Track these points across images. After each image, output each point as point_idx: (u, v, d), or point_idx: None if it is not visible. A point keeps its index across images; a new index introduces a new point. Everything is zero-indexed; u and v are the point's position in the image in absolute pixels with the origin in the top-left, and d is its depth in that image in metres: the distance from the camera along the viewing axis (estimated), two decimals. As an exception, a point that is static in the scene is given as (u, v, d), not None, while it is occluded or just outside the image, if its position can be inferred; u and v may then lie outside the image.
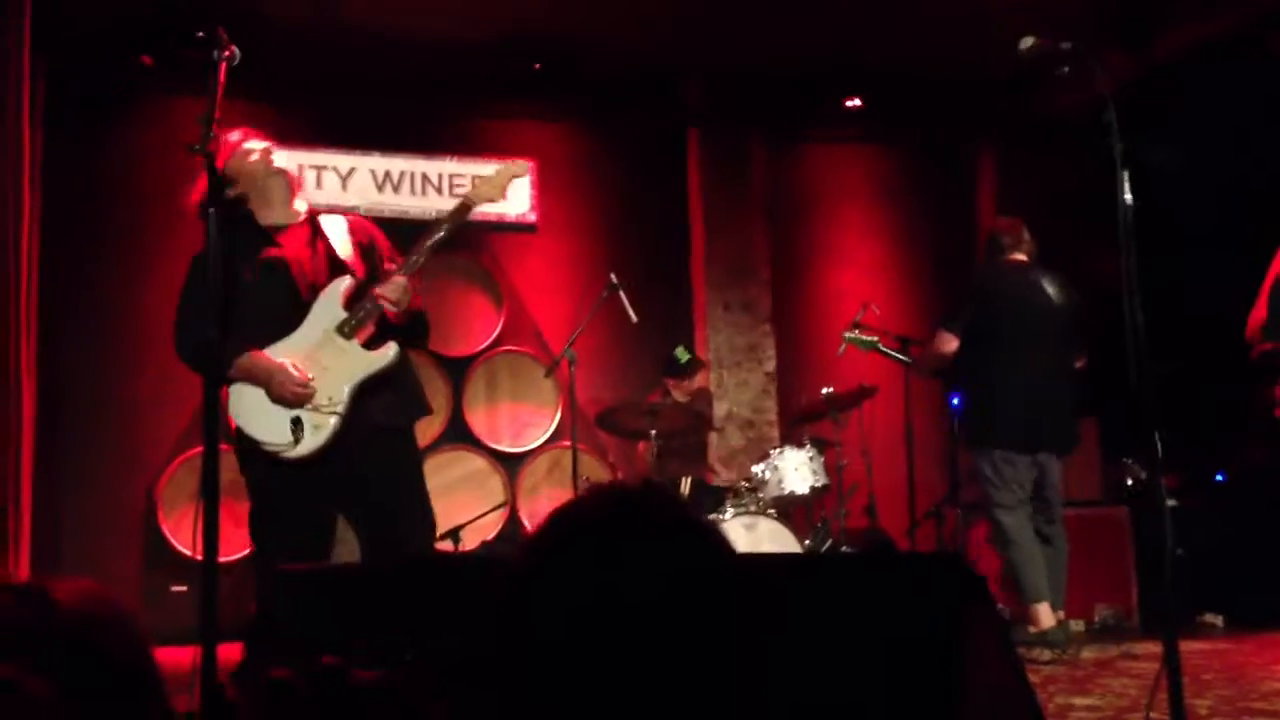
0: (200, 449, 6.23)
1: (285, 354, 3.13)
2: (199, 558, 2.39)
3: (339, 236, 3.33)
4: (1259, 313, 4.55)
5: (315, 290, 3.20)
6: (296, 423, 3.07)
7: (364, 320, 3.18)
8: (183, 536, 6.17)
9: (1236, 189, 6.61)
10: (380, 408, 3.21)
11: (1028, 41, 2.88)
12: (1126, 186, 2.48)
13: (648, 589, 0.91)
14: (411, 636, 1.85)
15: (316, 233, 3.32)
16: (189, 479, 6.25)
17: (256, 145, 3.33)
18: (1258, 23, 6.36)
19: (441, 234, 3.26)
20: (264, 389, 3.10)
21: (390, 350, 3.20)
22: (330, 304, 3.20)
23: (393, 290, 3.15)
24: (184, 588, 6.03)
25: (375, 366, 3.18)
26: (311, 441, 3.08)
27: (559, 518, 0.99)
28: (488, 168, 7.25)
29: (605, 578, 0.92)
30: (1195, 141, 6.55)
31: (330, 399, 3.11)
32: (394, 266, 3.24)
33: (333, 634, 1.97)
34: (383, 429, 3.23)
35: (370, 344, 3.20)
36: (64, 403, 6.37)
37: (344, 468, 3.14)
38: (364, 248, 3.35)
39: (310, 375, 3.11)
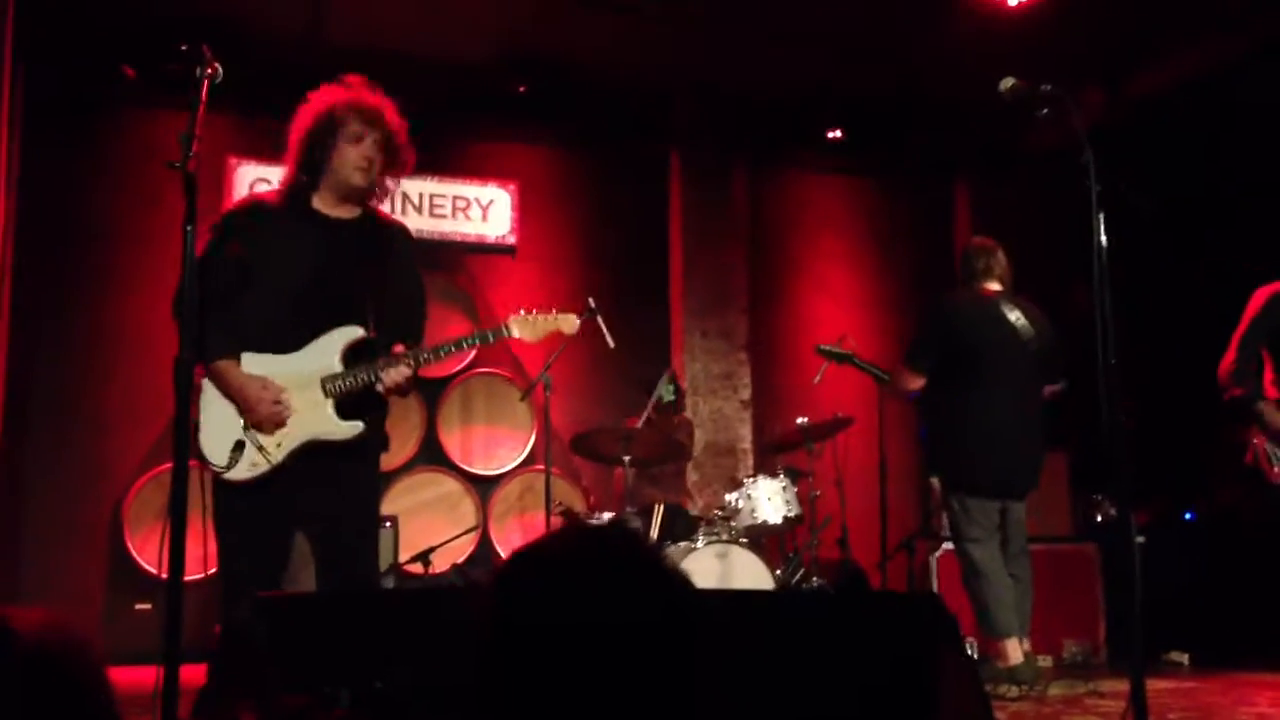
0: (169, 465, 6.17)
1: (263, 373, 3.08)
2: (164, 576, 2.36)
3: (380, 249, 3.23)
4: (1229, 358, 4.59)
5: (327, 306, 3.11)
6: (238, 446, 3.03)
7: (351, 388, 3.10)
8: (148, 554, 6.10)
9: (1210, 226, 6.70)
10: (352, 444, 3.15)
11: (1008, 82, 2.91)
12: (1102, 228, 2.52)
13: (614, 624, 0.92)
14: (382, 665, 1.83)
15: (361, 239, 3.21)
16: (156, 495, 6.18)
17: (368, 143, 3.15)
18: (1232, 64, 6.48)
19: (465, 345, 3.24)
20: (234, 404, 3.04)
21: (355, 427, 3.11)
22: (329, 349, 3.12)
23: (395, 379, 3.08)
24: (148, 606, 5.96)
25: (333, 436, 3.10)
26: (243, 472, 3.03)
27: (531, 553, 0.99)
28: (469, 188, 7.33)
29: (573, 614, 0.92)
30: (1170, 178, 6.65)
31: (277, 446, 3.05)
32: (400, 350, 3.14)
33: (304, 661, 1.95)
34: (356, 463, 3.19)
35: (343, 408, 3.11)
36: (32, 413, 6.30)
37: (314, 492, 3.10)
38: (387, 275, 3.23)
39: (285, 396, 3.06)
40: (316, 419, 3.08)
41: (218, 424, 3.06)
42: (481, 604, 0.99)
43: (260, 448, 3.03)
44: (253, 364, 3.08)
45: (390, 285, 3.23)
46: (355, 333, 3.12)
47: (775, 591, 5.06)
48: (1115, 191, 2.52)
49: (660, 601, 0.95)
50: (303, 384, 3.08)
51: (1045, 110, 2.83)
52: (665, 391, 6.18)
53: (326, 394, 3.09)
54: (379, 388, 3.10)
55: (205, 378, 3.07)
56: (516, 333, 3.25)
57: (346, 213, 3.23)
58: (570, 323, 3.34)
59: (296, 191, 3.20)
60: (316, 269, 3.12)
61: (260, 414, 3.03)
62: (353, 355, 3.12)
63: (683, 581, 1.00)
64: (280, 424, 3.05)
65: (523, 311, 3.31)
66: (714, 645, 0.98)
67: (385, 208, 6.86)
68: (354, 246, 3.19)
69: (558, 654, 0.92)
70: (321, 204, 3.21)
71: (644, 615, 0.93)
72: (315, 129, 3.15)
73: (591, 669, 0.91)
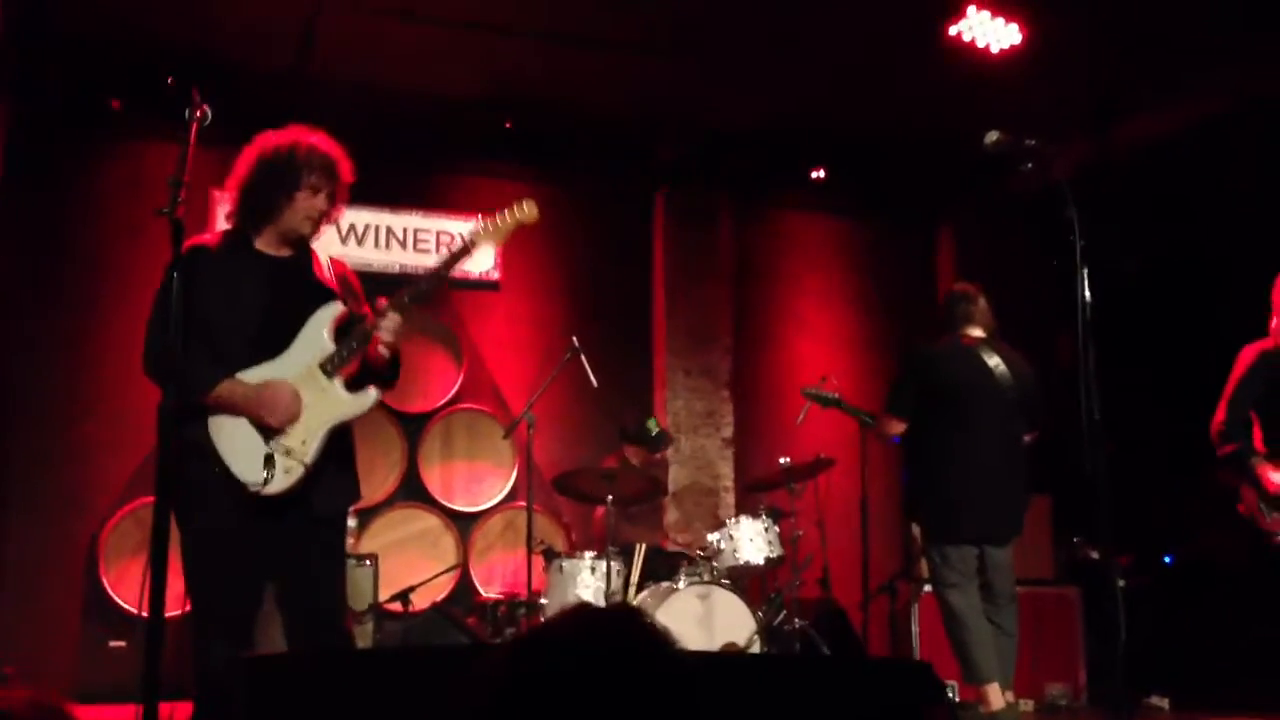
0: (146, 499, 6.09)
1: (265, 378, 3.07)
2: (142, 613, 2.35)
3: (324, 270, 3.26)
4: (1219, 416, 4.63)
5: (297, 318, 3.11)
6: (269, 460, 3.01)
7: (348, 358, 3.11)
8: (124, 590, 6.02)
9: (1193, 273, 6.77)
10: (328, 491, 3.14)
11: (993, 136, 2.94)
12: (1086, 283, 2.54)
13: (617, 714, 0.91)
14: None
15: (306, 269, 3.22)
16: (134, 530, 6.11)
17: (323, 196, 3.17)
18: (1216, 117, 6.57)
19: (440, 272, 3.22)
20: (246, 415, 3.02)
21: (370, 395, 3.13)
22: (317, 333, 3.12)
23: (389, 326, 3.10)
24: (123, 644, 5.88)
25: (354, 411, 3.12)
26: (281, 482, 3.02)
27: (536, 646, 0.99)
28: (453, 223, 7.34)
29: (576, 703, 0.91)
30: (1154, 225, 6.72)
31: (303, 442, 3.04)
32: (385, 302, 3.16)
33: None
34: (327, 514, 3.17)
35: (350, 384, 3.14)
36: (10, 442, 6.23)
37: (284, 538, 3.07)
38: (344, 286, 3.28)
39: (298, 392, 3.05)
40: (329, 404, 3.08)
41: (241, 446, 3.03)
42: (490, 696, 0.98)
43: (288, 452, 3.02)
44: (249, 377, 3.06)
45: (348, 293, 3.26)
46: (336, 308, 3.14)
47: (766, 655, 5.02)
48: (1101, 252, 2.55)
49: (663, 696, 0.94)
50: (305, 378, 3.08)
51: (1029, 165, 2.87)
52: (651, 425, 6.27)
53: (329, 375, 3.09)
54: (382, 349, 3.11)
55: (210, 412, 3.04)
56: (484, 242, 3.26)
57: (288, 251, 3.24)
58: (530, 210, 3.32)
59: (238, 234, 3.20)
60: (272, 305, 3.13)
61: (279, 415, 3.01)
62: (341, 332, 3.14)
63: (686, 669, 0.99)
64: (297, 418, 3.03)
65: (481, 221, 3.30)
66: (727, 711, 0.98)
67: (371, 240, 6.99)
68: (304, 282, 3.21)
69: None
70: (264, 245, 3.21)
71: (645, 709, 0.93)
72: (273, 171, 3.14)
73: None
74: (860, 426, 5.50)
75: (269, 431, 3.04)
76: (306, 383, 3.08)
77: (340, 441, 3.19)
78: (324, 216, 3.22)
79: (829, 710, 1.96)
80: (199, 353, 2.99)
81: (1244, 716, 5.20)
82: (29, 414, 6.30)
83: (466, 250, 3.23)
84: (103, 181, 6.60)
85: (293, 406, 3.03)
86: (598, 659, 0.94)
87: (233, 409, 3.03)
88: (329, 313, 3.13)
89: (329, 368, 3.09)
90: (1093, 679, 6.12)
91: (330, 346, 3.11)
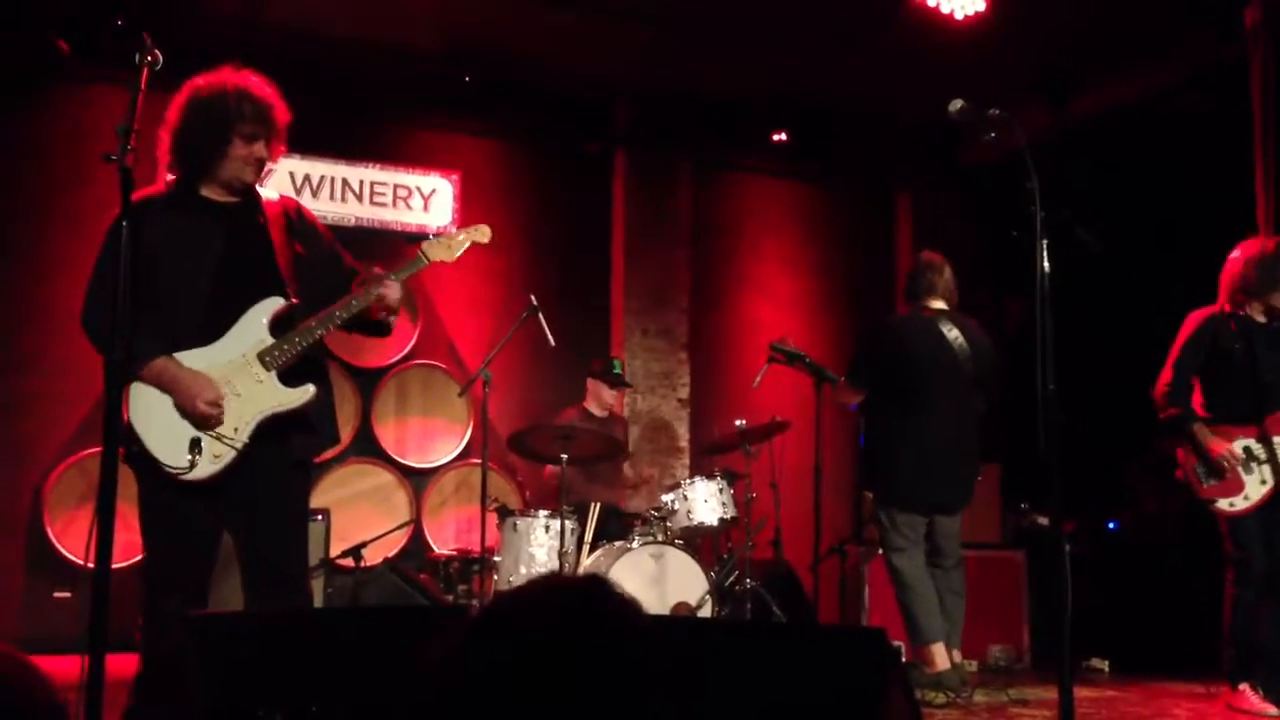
0: (92, 450, 5.99)
1: (199, 366, 2.99)
2: (87, 564, 2.32)
3: (274, 227, 3.16)
4: (1164, 379, 4.71)
5: (241, 291, 3.04)
6: (195, 445, 2.94)
7: (289, 354, 3.05)
8: (69, 541, 5.94)
9: (1140, 244, 6.85)
10: (291, 439, 3.09)
11: (957, 104, 2.94)
12: (1045, 255, 2.55)
13: (580, 690, 0.91)
14: (318, 688, 1.79)
15: (254, 215, 3.15)
16: (79, 481, 6.02)
17: (261, 144, 3.09)
18: (1171, 88, 6.62)
19: (398, 278, 3.21)
20: (172, 397, 2.95)
21: (307, 391, 3.07)
22: (255, 323, 3.05)
23: (392, 294, 3.13)
24: (68, 594, 5.81)
25: (288, 405, 3.05)
26: (207, 468, 2.96)
27: (500, 618, 0.98)
28: (411, 177, 7.24)
29: (543, 679, 0.91)
30: (1104, 195, 6.78)
31: (235, 430, 2.98)
32: (383, 271, 3.19)
33: (236, 683, 1.90)
34: (289, 460, 3.13)
35: (288, 378, 3.07)
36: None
37: (242, 490, 3.02)
38: (291, 248, 3.18)
39: (223, 394, 2.99)
40: (265, 393, 3.03)
41: (164, 425, 2.95)
42: (452, 666, 0.97)
43: (219, 436, 2.96)
44: (185, 361, 2.99)
45: (301, 254, 3.19)
46: (277, 303, 3.08)
47: (722, 621, 5.05)
48: (1062, 224, 2.56)
49: (630, 668, 0.94)
50: (240, 366, 3.02)
51: (992, 134, 2.87)
52: (617, 364, 6.38)
53: (267, 367, 3.04)
54: (382, 316, 3.16)
55: (136, 381, 2.96)
56: (434, 256, 3.29)
57: (234, 198, 3.17)
58: (483, 232, 3.41)
59: (183, 183, 3.13)
60: (222, 257, 3.07)
61: (196, 409, 2.94)
62: (280, 325, 3.08)
63: (649, 640, 0.99)
64: (215, 423, 2.97)
65: (433, 236, 3.37)
66: (683, 679, 0.98)
67: (326, 192, 6.88)
68: (252, 227, 3.14)
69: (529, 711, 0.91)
70: (210, 193, 3.14)
71: (606, 683, 0.92)
72: (205, 121, 3.05)
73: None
74: (819, 383, 5.50)
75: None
76: (240, 372, 3.01)
77: (321, 386, 3.14)
78: (265, 161, 3.15)
79: (784, 679, 1.98)
80: (139, 320, 2.90)
81: (1180, 682, 5.34)
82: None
83: (419, 264, 3.28)
84: (50, 127, 6.42)
85: (209, 418, 2.94)
86: (564, 630, 0.94)
87: (161, 388, 2.96)
88: (270, 305, 3.07)
89: (268, 360, 3.04)
90: (1035, 641, 6.24)
91: (269, 339, 3.05)
